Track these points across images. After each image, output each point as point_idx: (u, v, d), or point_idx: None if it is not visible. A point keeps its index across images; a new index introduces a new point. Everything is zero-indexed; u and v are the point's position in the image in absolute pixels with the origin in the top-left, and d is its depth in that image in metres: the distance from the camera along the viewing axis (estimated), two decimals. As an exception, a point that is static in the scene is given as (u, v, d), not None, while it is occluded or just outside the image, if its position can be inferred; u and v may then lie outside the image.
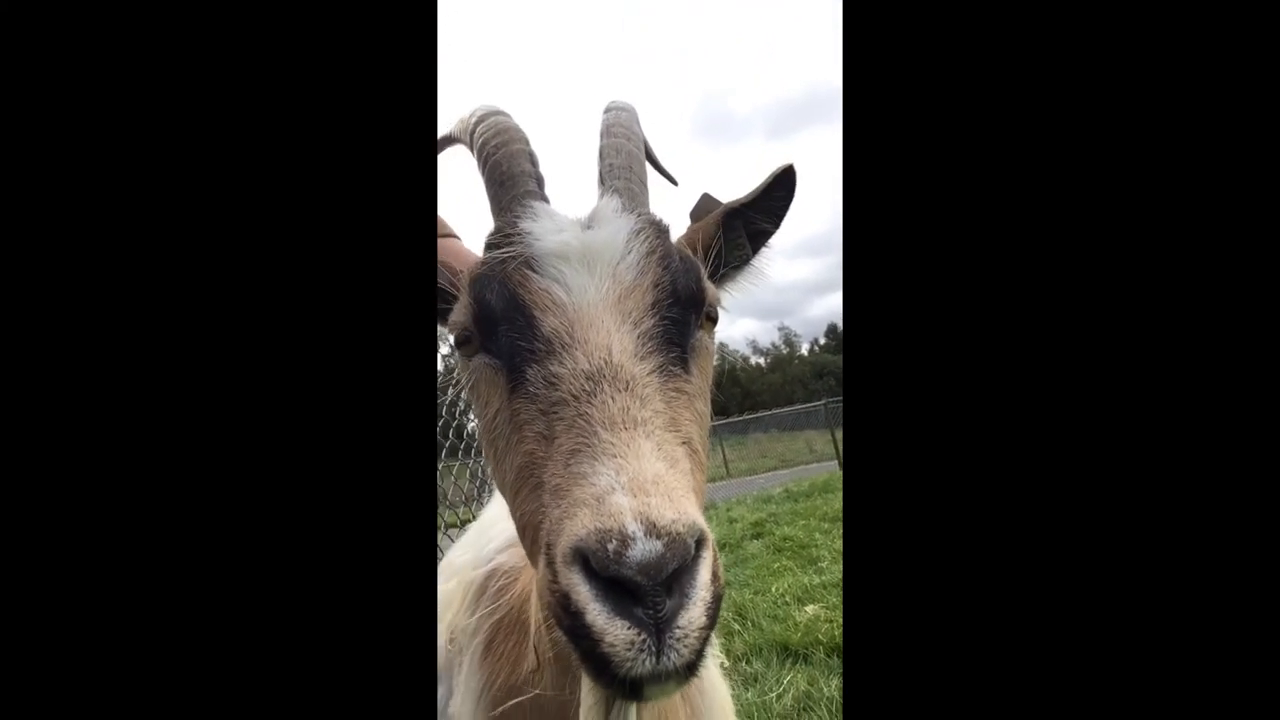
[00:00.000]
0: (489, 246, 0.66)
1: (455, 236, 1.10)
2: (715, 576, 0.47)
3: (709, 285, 0.68)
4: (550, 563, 0.48)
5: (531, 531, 0.55)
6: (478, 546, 1.05)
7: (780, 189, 0.79)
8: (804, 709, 2.21)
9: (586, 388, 0.53)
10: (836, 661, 2.53)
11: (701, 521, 0.47)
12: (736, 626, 3.08)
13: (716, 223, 0.79)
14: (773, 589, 3.62)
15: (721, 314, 0.84)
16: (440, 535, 1.83)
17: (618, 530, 0.43)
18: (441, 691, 1.13)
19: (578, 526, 0.45)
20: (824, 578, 3.71)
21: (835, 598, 3.29)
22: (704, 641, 0.45)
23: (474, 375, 0.64)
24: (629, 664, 0.43)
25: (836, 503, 6.34)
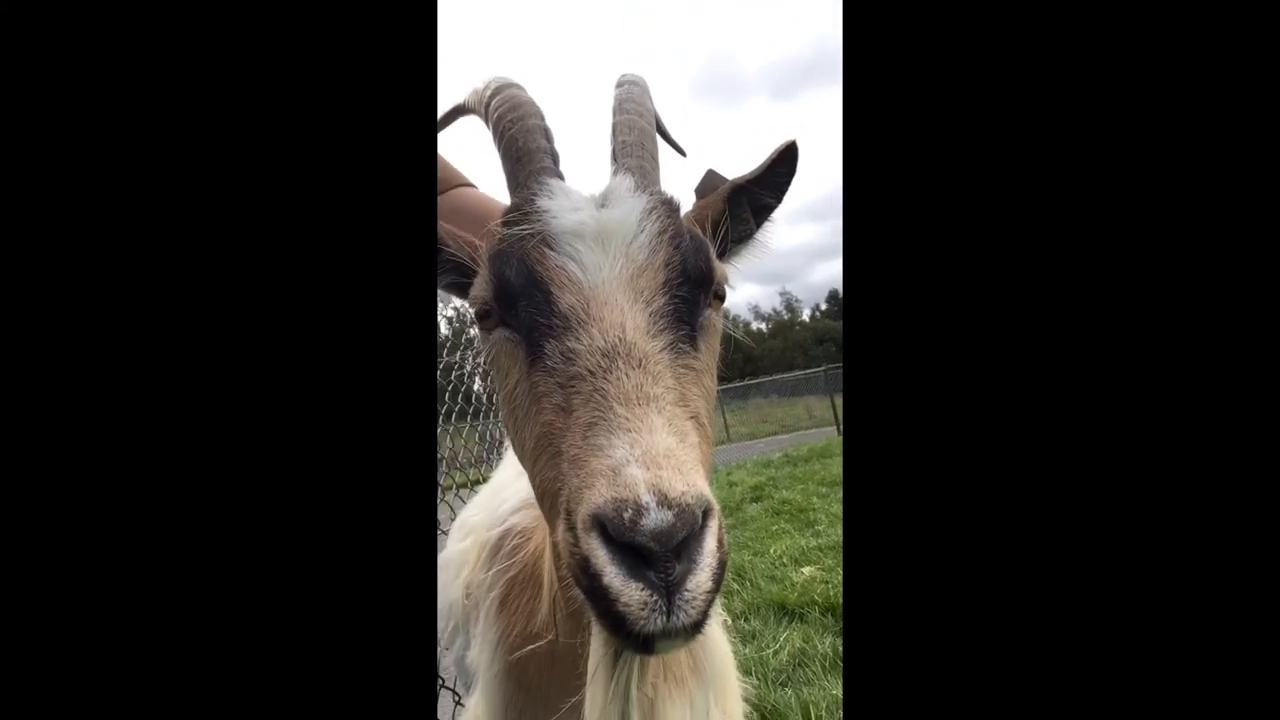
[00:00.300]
0: (507, 223, 0.67)
1: (471, 185, 1.09)
2: (720, 544, 0.50)
3: (718, 264, 0.70)
4: (571, 528, 0.51)
5: (550, 498, 0.58)
6: (492, 507, 1.09)
7: (783, 165, 0.81)
8: (799, 664, 2.30)
9: (602, 364, 0.56)
10: (831, 620, 2.62)
11: (709, 493, 0.50)
12: (736, 586, 3.17)
13: (723, 199, 0.81)
14: (771, 551, 3.71)
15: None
16: (452, 495, 1.88)
17: (633, 500, 0.47)
18: (460, 642, 1.18)
19: (596, 496, 0.48)
20: (820, 540, 3.80)
21: (831, 560, 3.38)
22: (709, 603, 0.49)
23: (494, 348, 0.67)
24: (642, 622, 0.47)
25: (834, 467, 6.43)
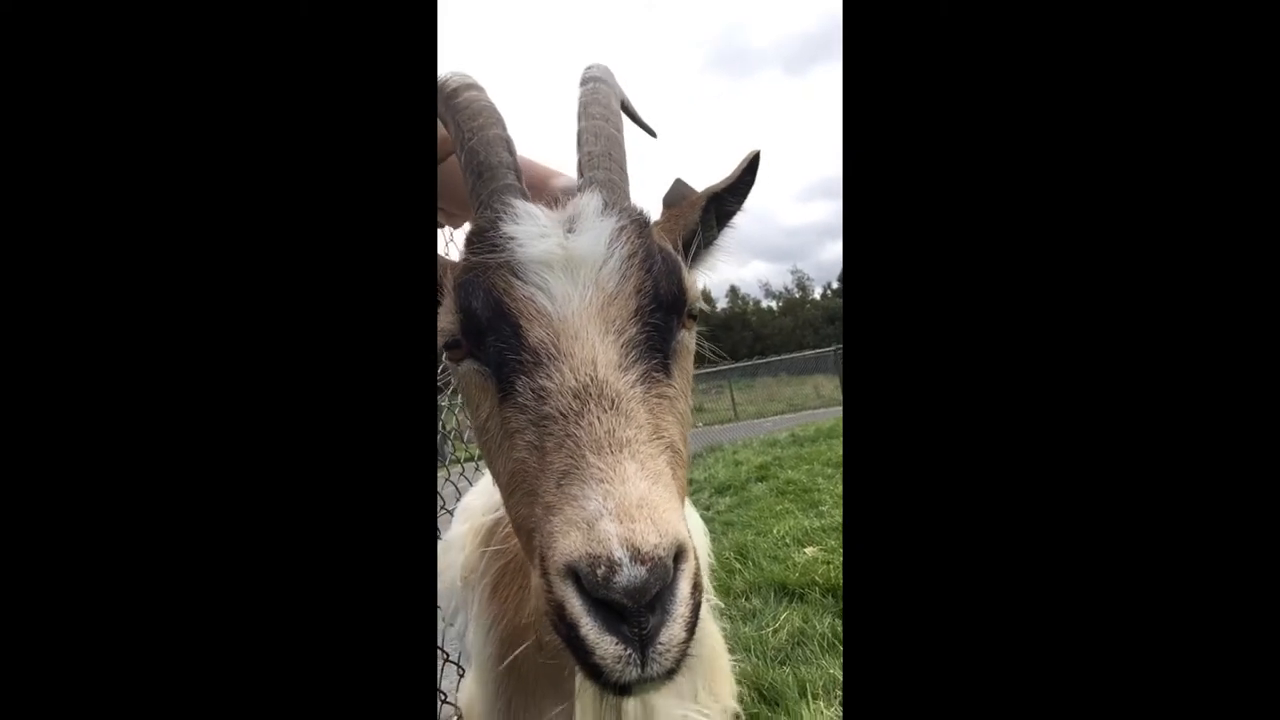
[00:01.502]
0: (471, 248, 0.65)
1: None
2: (695, 586, 0.51)
3: (690, 283, 0.68)
4: (544, 573, 0.52)
5: (525, 535, 0.59)
6: (490, 492, 1.11)
7: (750, 173, 0.81)
8: (798, 644, 2.33)
9: (574, 406, 0.55)
10: (831, 601, 2.64)
11: (683, 532, 0.50)
12: (738, 565, 3.20)
13: (697, 209, 0.79)
14: (774, 530, 3.74)
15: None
16: (457, 475, 1.90)
17: (605, 557, 0.47)
18: (460, 621, 1.21)
19: (570, 547, 0.49)
20: (824, 521, 3.82)
21: (834, 540, 3.40)
22: (683, 653, 0.50)
23: (464, 379, 0.65)
24: (618, 674, 0.48)
25: (840, 448, 6.41)
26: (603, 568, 0.47)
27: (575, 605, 0.49)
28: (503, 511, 1.00)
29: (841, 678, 2.06)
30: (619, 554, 0.47)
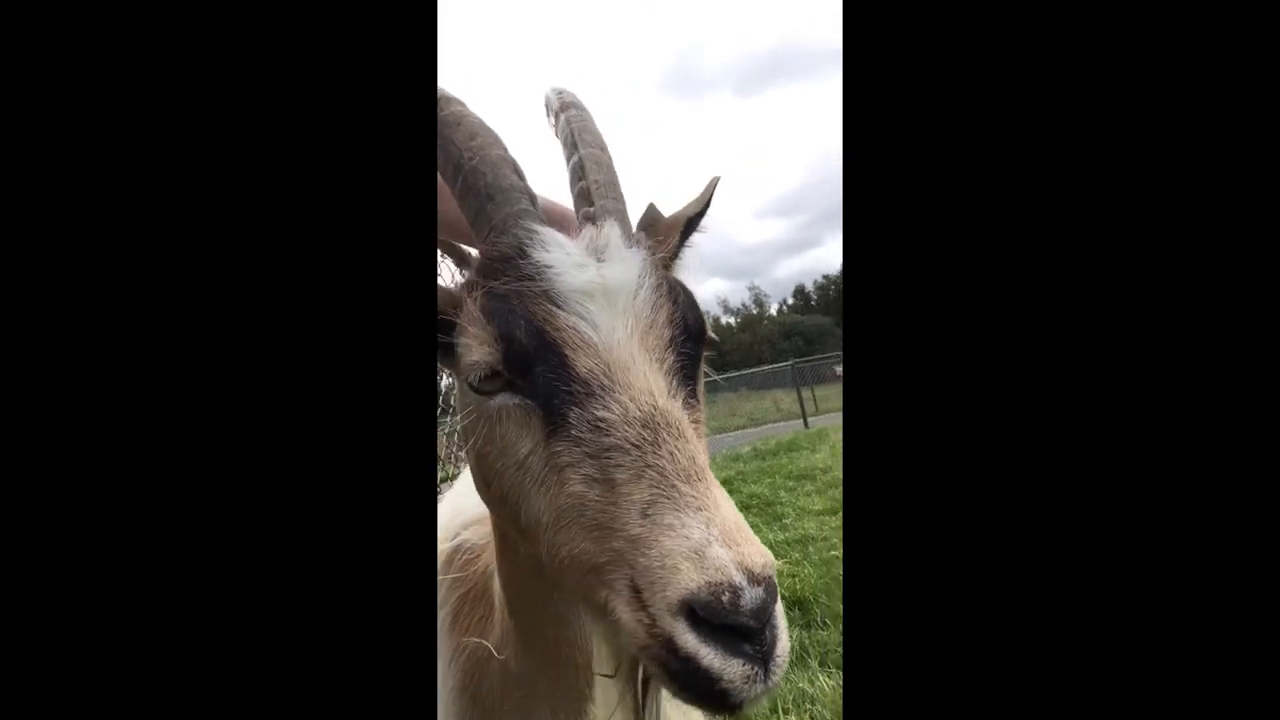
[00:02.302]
0: (495, 275, 0.62)
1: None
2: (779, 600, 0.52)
3: (703, 313, 0.69)
4: (643, 607, 0.51)
5: (593, 573, 0.55)
6: (449, 515, 1.07)
7: (710, 197, 0.83)
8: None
9: (646, 436, 0.54)
10: (797, 614, 2.65)
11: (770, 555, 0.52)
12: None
13: (677, 233, 0.79)
14: (739, 546, 3.74)
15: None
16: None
17: (728, 583, 0.48)
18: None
19: (686, 580, 0.48)
20: (787, 534, 3.85)
21: (797, 553, 3.43)
22: (788, 658, 0.51)
23: (494, 416, 0.61)
24: (744, 693, 0.49)
25: (801, 461, 6.52)
26: (727, 594, 0.47)
27: (690, 639, 0.48)
28: (462, 538, 0.97)
29: (810, 691, 2.06)
30: (739, 579, 0.48)
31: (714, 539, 0.49)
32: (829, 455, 6.60)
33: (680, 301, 0.65)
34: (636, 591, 0.51)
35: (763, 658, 0.49)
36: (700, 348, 0.66)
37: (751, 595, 0.48)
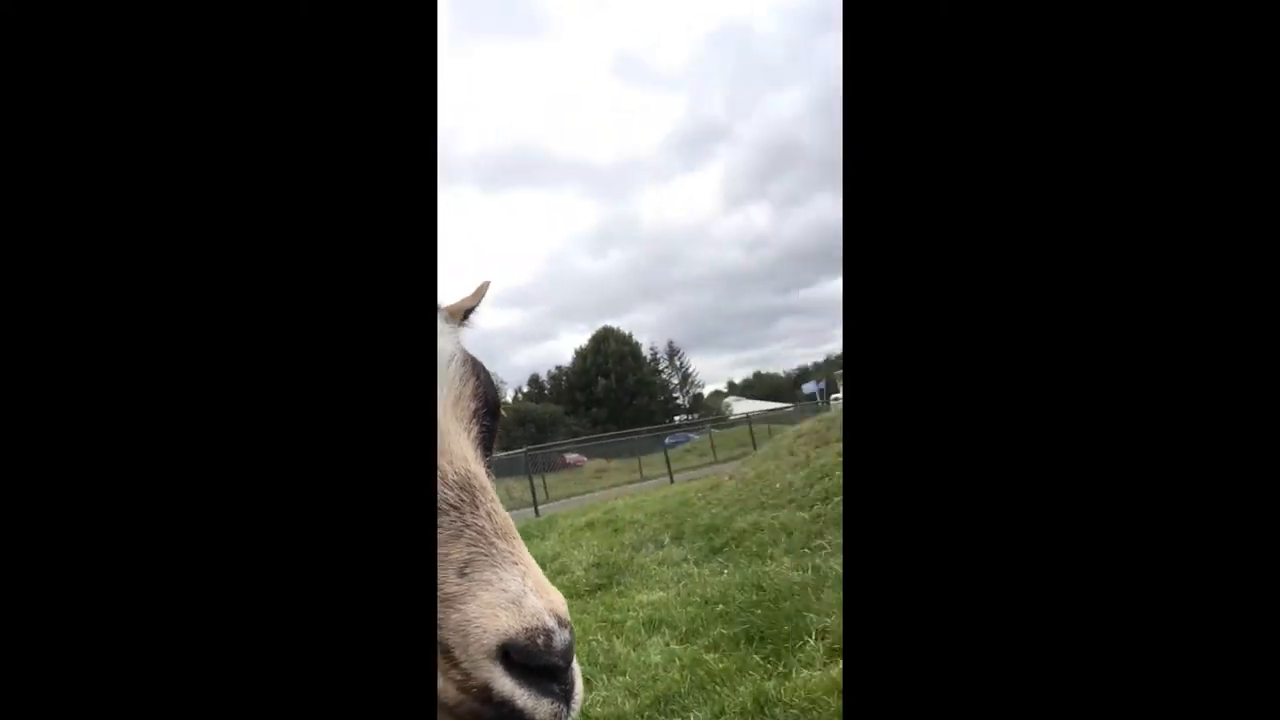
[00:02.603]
0: None
1: None
2: None
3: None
4: (457, 664, 0.52)
5: None
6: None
7: (483, 295, 0.94)
8: None
9: (464, 498, 0.57)
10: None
11: None
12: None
13: (460, 322, 0.87)
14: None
15: None
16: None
17: (543, 627, 0.52)
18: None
19: (504, 625, 0.52)
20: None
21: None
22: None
23: None
24: None
25: (532, 549, 6.53)
26: (542, 637, 0.52)
27: (506, 682, 0.52)
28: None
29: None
30: (550, 623, 0.53)
31: (529, 589, 0.54)
32: (558, 542, 6.87)
33: (482, 378, 0.69)
34: (446, 651, 0.52)
35: (565, 695, 0.54)
36: (496, 423, 0.71)
37: (561, 637, 0.53)
